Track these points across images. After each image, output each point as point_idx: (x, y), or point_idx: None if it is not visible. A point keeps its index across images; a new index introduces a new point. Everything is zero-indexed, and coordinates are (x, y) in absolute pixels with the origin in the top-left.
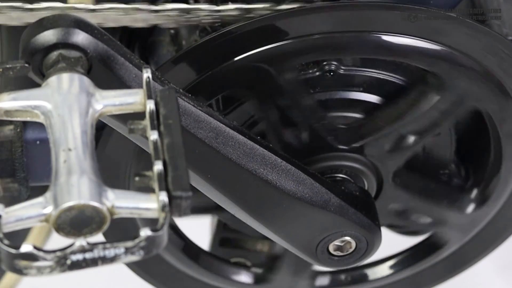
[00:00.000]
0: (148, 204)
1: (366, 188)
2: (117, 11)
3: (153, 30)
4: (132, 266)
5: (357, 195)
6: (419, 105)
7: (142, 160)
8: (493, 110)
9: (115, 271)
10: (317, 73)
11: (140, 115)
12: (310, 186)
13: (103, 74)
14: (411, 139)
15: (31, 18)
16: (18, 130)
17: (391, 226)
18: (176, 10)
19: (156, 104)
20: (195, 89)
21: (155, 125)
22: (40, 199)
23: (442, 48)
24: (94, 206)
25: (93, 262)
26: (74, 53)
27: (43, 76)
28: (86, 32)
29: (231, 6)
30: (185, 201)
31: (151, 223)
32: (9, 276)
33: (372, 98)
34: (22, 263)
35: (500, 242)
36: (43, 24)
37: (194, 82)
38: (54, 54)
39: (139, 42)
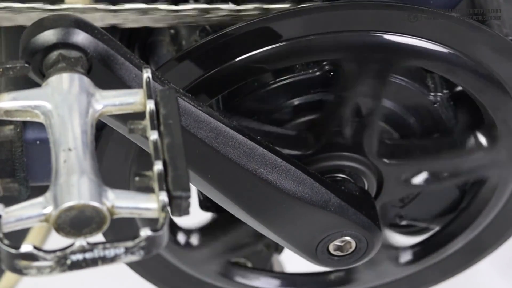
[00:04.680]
0: (148, 204)
1: (366, 187)
2: (138, 12)
3: (153, 30)
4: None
5: (357, 195)
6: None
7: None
8: (485, 100)
9: (115, 271)
10: (317, 73)
11: (140, 115)
12: (310, 186)
13: (103, 74)
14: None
15: None
16: (18, 130)
17: (393, 226)
18: (196, 10)
19: (156, 104)
20: (195, 89)
21: (155, 125)
22: (40, 199)
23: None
24: (94, 206)
25: (93, 262)
26: (74, 53)
27: (43, 76)
28: (86, 32)
29: (248, 6)
30: (185, 201)
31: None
32: (9, 276)
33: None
34: (22, 263)
35: None
36: (43, 24)
37: (194, 82)
38: (54, 54)
39: (139, 42)
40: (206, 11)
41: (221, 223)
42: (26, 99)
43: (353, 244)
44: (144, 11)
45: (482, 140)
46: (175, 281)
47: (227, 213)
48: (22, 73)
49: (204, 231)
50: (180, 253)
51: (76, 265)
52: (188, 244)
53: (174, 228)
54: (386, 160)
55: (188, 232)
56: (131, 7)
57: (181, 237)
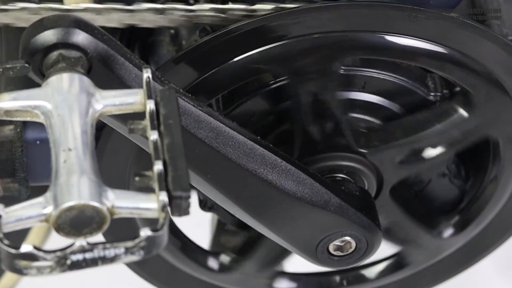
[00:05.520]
0: (148, 204)
1: (366, 188)
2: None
3: (153, 30)
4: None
5: (357, 195)
6: (443, 121)
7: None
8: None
9: (115, 271)
10: None
11: (140, 115)
12: (310, 186)
13: (103, 74)
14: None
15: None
16: (18, 130)
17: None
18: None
19: (156, 104)
20: (195, 89)
21: (155, 125)
22: (40, 199)
23: (447, 50)
24: (94, 206)
25: (93, 262)
26: (74, 53)
27: (43, 76)
28: (86, 32)
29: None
30: (185, 201)
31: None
32: (9, 276)
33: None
34: (22, 263)
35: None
36: (43, 24)
37: (194, 82)
38: (54, 54)
39: (139, 42)
40: (161, 11)
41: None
42: (26, 99)
43: (353, 244)
44: (98, 11)
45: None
46: None
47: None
48: (22, 73)
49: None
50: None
51: (76, 265)
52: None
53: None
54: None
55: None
56: (86, 7)
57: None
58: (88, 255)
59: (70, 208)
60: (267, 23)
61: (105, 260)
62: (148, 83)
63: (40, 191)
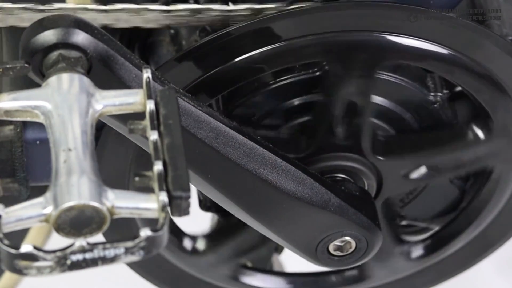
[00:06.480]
0: (148, 204)
1: (365, 187)
2: (129, 12)
3: (153, 30)
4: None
5: (357, 195)
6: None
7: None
8: (484, 100)
9: (115, 271)
10: (317, 73)
11: (140, 115)
12: (310, 186)
13: (103, 74)
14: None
15: None
16: (18, 130)
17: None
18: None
19: (156, 104)
20: (195, 89)
21: (155, 125)
22: (40, 199)
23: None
24: (94, 206)
25: (93, 262)
26: (74, 53)
27: (43, 76)
28: (86, 32)
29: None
30: (185, 201)
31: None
32: (9, 276)
33: None
34: (22, 263)
35: None
36: (43, 24)
37: (194, 82)
38: (54, 54)
39: (139, 42)
40: (136, 11)
41: (226, 229)
42: (26, 99)
43: (353, 244)
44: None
45: (479, 132)
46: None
47: (232, 218)
48: (22, 73)
49: (211, 236)
50: (188, 259)
51: (76, 265)
52: (194, 250)
53: (179, 234)
54: (380, 157)
55: (194, 238)
56: (59, 7)
57: (187, 243)
58: (88, 255)
59: (70, 208)
60: (269, 24)
61: (105, 260)
62: (148, 83)
63: (40, 191)
